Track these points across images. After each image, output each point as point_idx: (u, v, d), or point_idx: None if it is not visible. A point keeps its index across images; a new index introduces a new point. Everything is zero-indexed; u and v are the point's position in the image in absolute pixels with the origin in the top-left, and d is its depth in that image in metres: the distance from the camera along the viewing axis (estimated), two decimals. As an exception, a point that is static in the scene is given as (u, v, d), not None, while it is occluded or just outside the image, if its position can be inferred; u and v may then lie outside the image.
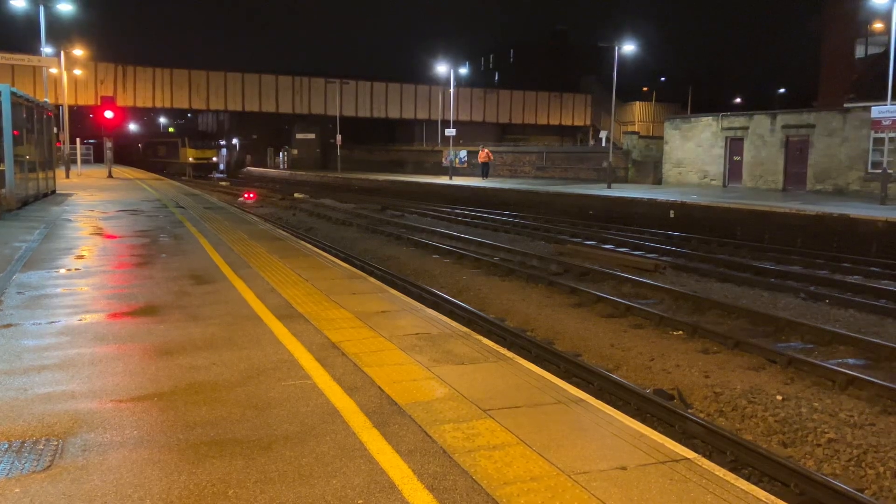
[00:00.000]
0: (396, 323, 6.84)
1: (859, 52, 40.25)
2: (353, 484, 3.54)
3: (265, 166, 72.29)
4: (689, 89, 70.33)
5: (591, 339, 10.01)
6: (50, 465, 3.71)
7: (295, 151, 69.64)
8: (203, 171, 65.87)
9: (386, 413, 4.48)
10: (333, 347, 5.93)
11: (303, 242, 13.64)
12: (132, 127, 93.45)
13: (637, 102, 73.81)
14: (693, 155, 35.91)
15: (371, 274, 12.02)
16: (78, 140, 49.85)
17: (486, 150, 44.36)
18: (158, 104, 58.40)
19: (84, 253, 11.18)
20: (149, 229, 14.48)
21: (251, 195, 37.38)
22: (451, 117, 47.77)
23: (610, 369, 8.50)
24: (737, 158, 33.80)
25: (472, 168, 49.89)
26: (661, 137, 39.19)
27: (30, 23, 36.45)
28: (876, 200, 23.52)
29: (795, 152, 31.21)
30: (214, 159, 70.56)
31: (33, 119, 20.52)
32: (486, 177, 42.61)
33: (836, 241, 18.60)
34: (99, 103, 40.60)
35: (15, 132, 17.33)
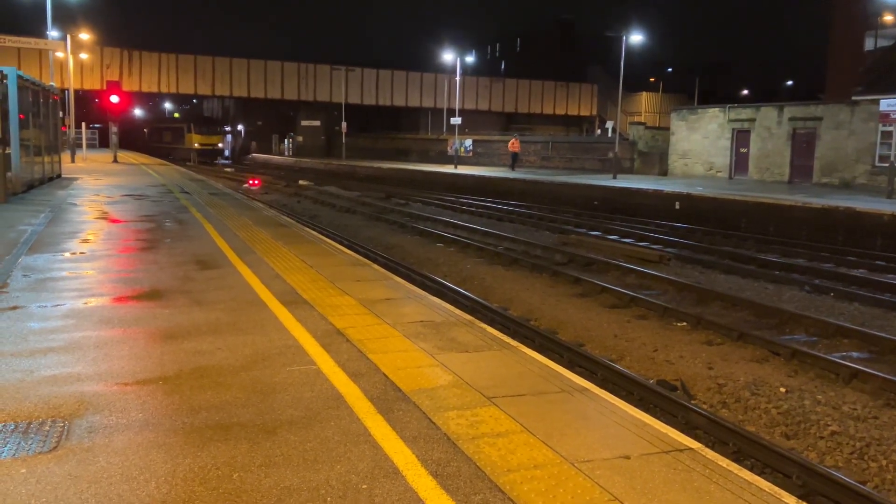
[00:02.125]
0: (401, 310, 6.85)
1: (868, 44, 40.02)
2: (358, 469, 3.56)
3: (270, 153, 72.24)
4: (695, 80, 70.09)
5: (594, 329, 10.02)
6: (56, 447, 3.73)
7: (300, 138, 69.56)
8: (208, 157, 65.80)
9: (390, 399, 4.49)
10: (338, 334, 5.94)
11: (307, 229, 13.65)
12: (137, 112, 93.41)
13: (644, 93, 73.56)
14: (699, 146, 35.79)
15: (375, 261, 12.03)
16: (83, 124, 49.83)
17: (516, 140, 42.48)
18: (164, 89, 58.36)
19: (89, 237, 11.20)
20: (154, 214, 14.50)
21: (256, 182, 37.38)
22: (457, 106, 47.65)
23: (613, 359, 8.51)
24: (743, 150, 33.68)
25: (477, 157, 49.79)
26: (668, 128, 39.06)
27: (36, 6, 36.37)
28: (882, 194, 23.43)
29: (802, 145, 31.08)
30: (220, 145, 70.52)
31: (39, 103, 20.52)
32: (514, 168, 40.45)
33: (841, 235, 18.55)
34: (105, 88, 40.63)
35: (21, 116, 17.34)
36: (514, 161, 41.43)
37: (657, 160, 38.65)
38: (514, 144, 41.93)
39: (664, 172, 37.50)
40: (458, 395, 4.60)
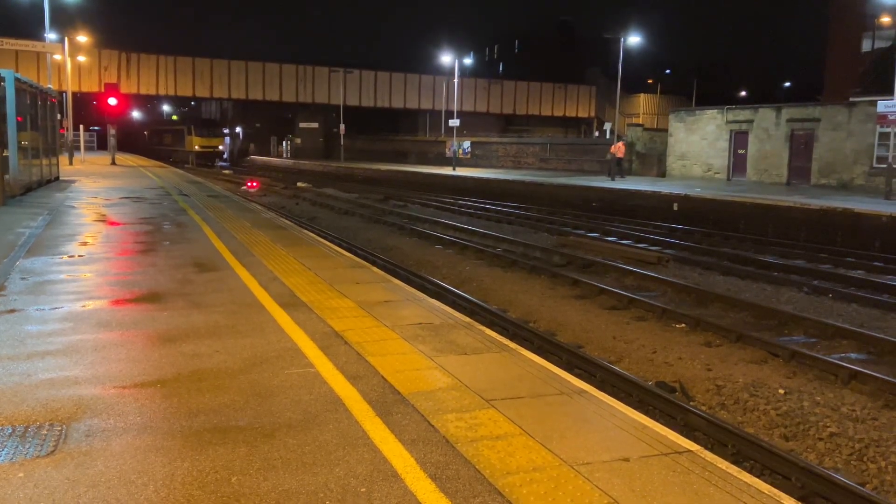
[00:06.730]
0: (399, 313, 6.84)
1: (866, 45, 40.08)
2: (356, 472, 3.55)
3: (268, 155, 72.24)
4: (694, 82, 70.24)
5: (593, 330, 10.01)
6: (54, 451, 3.71)
7: (298, 140, 69.58)
8: (208, 159, 65.74)
9: (389, 402, 4.48)
10: (336, 336, 5.93)
11: (306, 231, 13.64)
12: (136, 114, 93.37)
13: (642, 94, 73.78)
14: (697, 148, 35.81)
15: (374, 264, 12.01)
16: (81, 127, 49.75)
17: (623, 143, 35.46)
18: (162, 91, 58.39)
19: (87, 239, 11.18)
20: (152, 217, 14.48)
21: (254, 184, 37.37)
22: (455, 108, 47.70)
23: (612, 361, 8.50)
24: (741, 152, 33.70)
25: (475, 159, 49.81)
26: (666, 130, 39.09)
27: (34, 8, 36.38)
28: (880, 195, 23.46)
29: (800, 146, 31.10)
30: (220, 148, 70.46)
31: (37, 105, 20.49)
32: (622, 175, 33.73)
33: (839, 236, 18.56)
34: (103, 90, 40.62)
35: (19, 118, 17.32)
36: (619, 167, 33.81)
37: (655, 162, 38.67)
38: (619, 148, 34.32)
39: (662, 174, 37.52)
40: (456, 397, 4.59)
